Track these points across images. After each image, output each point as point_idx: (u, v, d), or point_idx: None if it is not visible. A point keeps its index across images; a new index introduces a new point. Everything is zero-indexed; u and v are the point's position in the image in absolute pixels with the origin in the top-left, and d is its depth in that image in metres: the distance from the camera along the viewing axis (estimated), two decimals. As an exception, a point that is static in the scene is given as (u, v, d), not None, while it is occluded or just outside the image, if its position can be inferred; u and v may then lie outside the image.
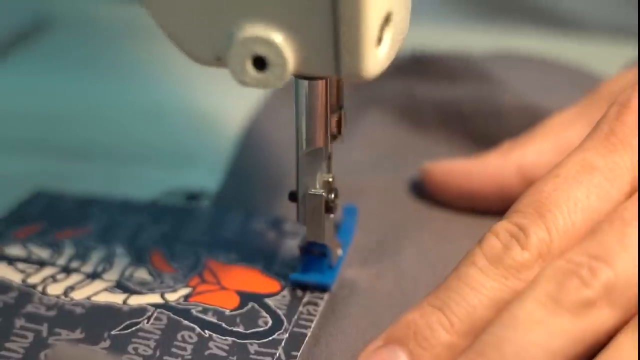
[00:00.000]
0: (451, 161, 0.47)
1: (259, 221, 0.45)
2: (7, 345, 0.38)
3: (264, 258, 0.43)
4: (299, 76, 0.37)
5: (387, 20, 0.35)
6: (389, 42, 0.35)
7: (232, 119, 0.56)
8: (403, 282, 0.42)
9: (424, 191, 0.48)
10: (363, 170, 0.49)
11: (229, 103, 0.57)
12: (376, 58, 0.34)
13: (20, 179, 0.50)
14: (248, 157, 0.52)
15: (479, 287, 0.36)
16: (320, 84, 0.38)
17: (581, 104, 0.46)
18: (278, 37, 0.34)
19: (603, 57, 0.60)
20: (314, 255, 0.41)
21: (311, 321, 0.40)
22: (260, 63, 0.34)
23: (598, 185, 0.37)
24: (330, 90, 0.38)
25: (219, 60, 0.35)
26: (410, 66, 0.55)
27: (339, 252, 0.42)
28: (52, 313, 0.40)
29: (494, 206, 0.46)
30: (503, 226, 0.37)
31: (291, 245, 0.43)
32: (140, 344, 0.38)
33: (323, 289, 0.41)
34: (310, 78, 0.37)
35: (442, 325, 0.35)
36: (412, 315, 0.36)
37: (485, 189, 0.46)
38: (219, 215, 0.46)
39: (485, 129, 0.52)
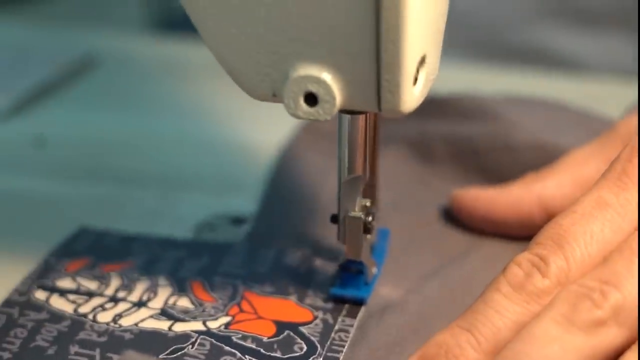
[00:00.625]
0: (478, 189, 0.51)
1: (290, 257, 0.48)
2: None
3: (296, 290, 0.46)
4: (342, 111, 0.41)
5: (422, 62, 0.38)
6: (423, 81, 0.39)
7: (269, 150, 0.59)
8: (426, 305, 0.45)
9: (446, 220, 0.51)
10: (385, 204, 0.52)
11: (265, 135, 0.61)
12: (412, 95, 0.38)
13: (78, 203, 0.54)
14: (280, 184, 0.55)
15: (503, 310, 0.39)
16: (361, 118, 0.41)
17: (597, 142, 0.50)
18: (328, 77, 0.38)
19: (604, 98, 0.63)
20: (352, 272, 0.45)
21: (343, 346, 0.42)
22: (311, 99, 0.38)
23: (611, 220, 0.40)
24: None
25: (274, 96, 0.39)
26: (423, 106, 0.57)
27: (374, 270, 0.46)
28: (103, 339, 0.43)
29: (514, 232, 0.49)
30: (525, 257, 0.40)
31: (321, 279, 0.47)
32: None
33: (359, 302, 0.44)
34: (352, 113, 0.41)
35: (470, 344, 0.38)
36: (444, 336, 0.39)
37: (507, 216, 0.49)
38: (253, 250, 0.49)
39: (498, 165, 0.54)
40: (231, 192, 0.56)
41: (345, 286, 0.45)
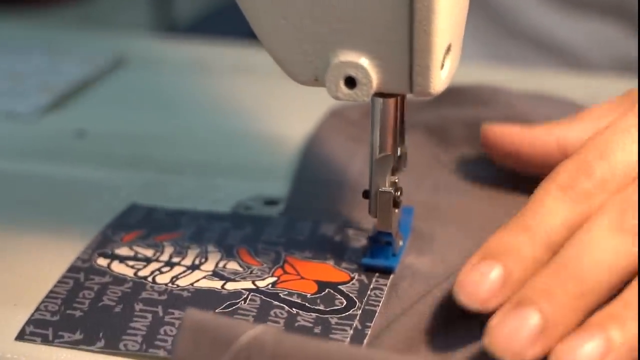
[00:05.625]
0: (506, 125, 0.55)
1: (325, 227, 0.53)
2: (132, 325, 0.45)
3: (333, 256, 0.50)
4: (375, 94, 0.45)
5: (448, 50, 0.43)
6: (448, 67, 0.44)
7: (293, 139, 0.64)
8: (449, 269, 0.49)
9: (464, 196, 0.56)
10: (406, 184, 0.55)
11: (291, 125, 0.66)
12: (440, 79, 0.43)
13: (121, 189, 0.58)
14: (310, 166, 0.60)
15: (554, 211, 0.43)
16: (392, 101, 0.46)
17: (614, 101, 0.53)
18: (365, 62, 0.42)
19: (604, 92, 0.64)
20: (381, 244, 0.49)
21: (378, 302, 0.47)
22: (350, 82, 0.43)
23: None
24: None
25: (316, 81, 0.43)
26: (442, 94, 0.61)
27: (400, 243, 0.50)
28: (163, 297, 0.47)
29: (535, 170, 0.52)
30: (571, 162, 0.44)
31: (354, 246, 0.51)
32: (241, 319, 0.45)
33: (388, 271, 0.49)
34: (384, 96, 0.45)
35: (526, 241, 0.43)
36: (502, 234, 0.43)
37: (529, 154, 0.53)
38: (291, 222, 0.54)
39: None
40: (262, 177, 0.60)
41: (375, 256, 0.49)
